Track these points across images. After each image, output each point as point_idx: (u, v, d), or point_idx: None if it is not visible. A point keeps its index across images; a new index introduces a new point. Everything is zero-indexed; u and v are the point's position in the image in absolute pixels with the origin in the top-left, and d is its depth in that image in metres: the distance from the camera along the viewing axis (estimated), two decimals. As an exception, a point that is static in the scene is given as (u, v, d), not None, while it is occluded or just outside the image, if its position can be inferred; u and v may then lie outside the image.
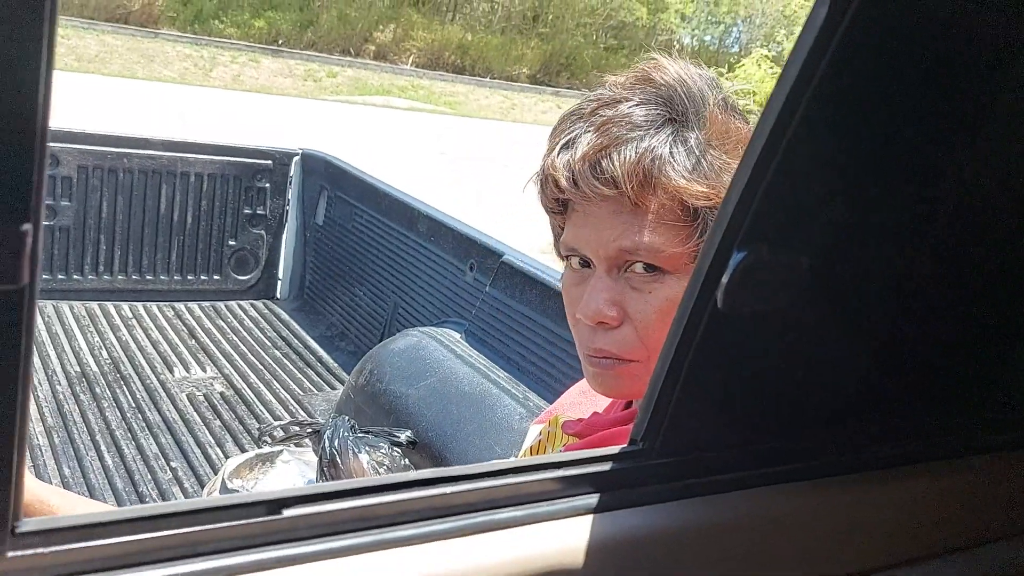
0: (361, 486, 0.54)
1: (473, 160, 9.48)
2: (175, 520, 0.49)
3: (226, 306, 2.95)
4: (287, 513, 0.50)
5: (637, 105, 0.78)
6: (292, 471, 1.89)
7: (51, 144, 2.63)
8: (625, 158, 0.75)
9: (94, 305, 2.74)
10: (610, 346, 0.80)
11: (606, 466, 0.65)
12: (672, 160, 0.75)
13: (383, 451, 1.77)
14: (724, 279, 0.62)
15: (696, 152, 0.76)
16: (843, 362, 0.73)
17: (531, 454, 1.08)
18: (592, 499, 0.64)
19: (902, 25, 0.60)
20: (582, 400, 1.19)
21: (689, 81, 0.78)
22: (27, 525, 0.48)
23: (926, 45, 0.62)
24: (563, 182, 0.77)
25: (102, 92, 9.46)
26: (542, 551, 0.59)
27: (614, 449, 0.66)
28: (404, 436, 1.81)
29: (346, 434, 1.76)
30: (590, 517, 0.63)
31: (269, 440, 1.89)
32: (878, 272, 0.70)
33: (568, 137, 0.79)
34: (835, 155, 0.63)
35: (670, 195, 0.75)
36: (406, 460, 1.80)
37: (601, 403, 1.16)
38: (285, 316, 2.91)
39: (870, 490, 0.78)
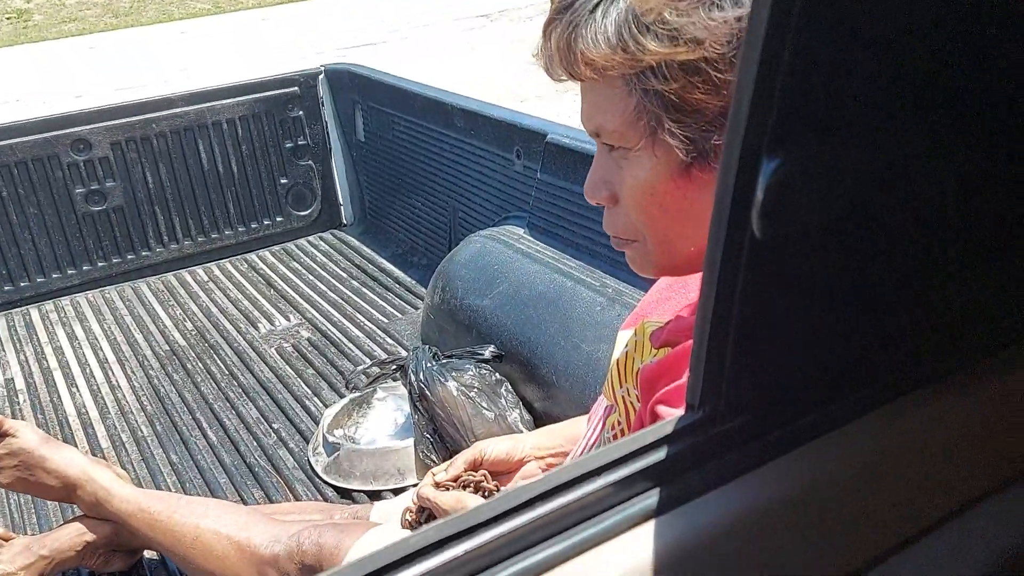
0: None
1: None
2: None
3: (296, 245, 2.90)
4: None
5: None
6: (388, 408, 1.85)
7: (78, 128, 2.57)
8: (559, 34, 0.71)
9: (169, 276, 2.74)
10: (609, 227, 0.80)
11: (660, 453, 0.52)
12: (588, 29, 0.68)
13: (471, 373, 1.69)
14: (758, 196, 0.46)
15: (623, 15, 0.67)
16: (920, 267, 0.56)
17: (619, 369, 0.97)
18: (651, 498, 0.51)
19: None
20: (669, 296, 1.07)
21: None
22: None
23: None
24: (542, 68, 0.76)
25: (147, 43, 9.41)
26: (596, 589, 0.48)
27: (667, 427, 0.53)
28: (488, 352, 1.73)
29: (429, 365, 1.69)
30: (651, 524, 0.51)
31: (358, 387, 1.84)
32: (955, 158, 0.52)
33: None
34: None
35: (593, 68, 0.69)
36: (496, 375, 1.72)
37: (683, 301, 1.03)
38: (355, 242, 2.84)
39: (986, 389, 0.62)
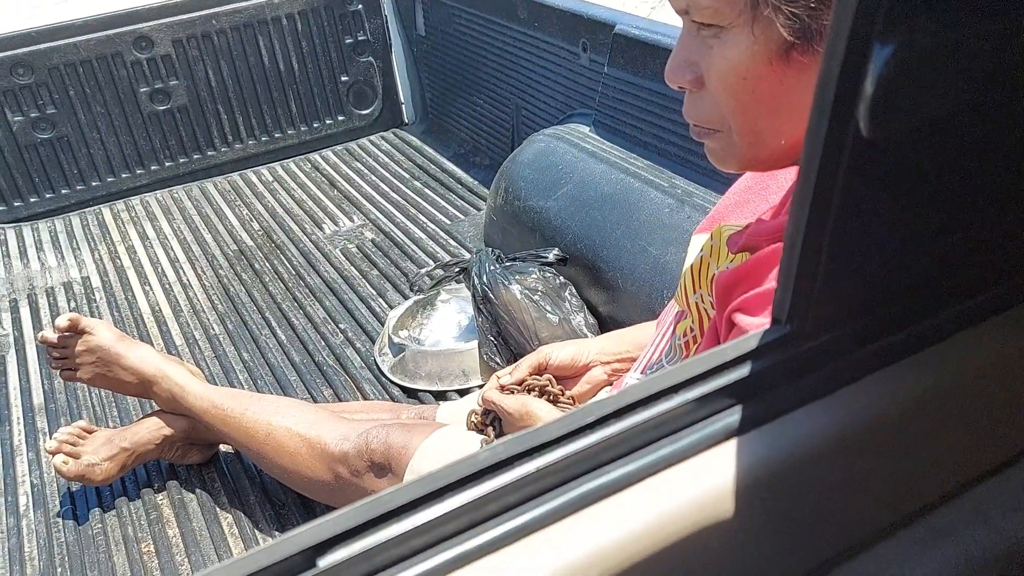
0: (415, 496, 0.42)
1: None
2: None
3: (358, 145, 2.87)
4: (323, 563, 0.40)
5: None
6: (452, 311, 1.85)
7: (140, 25, 2.55)
8: None
9: (235, 176, 2.76)
10: (691, 113, 0.73)
11: (743, 369, 0.49)
12: None
13: (534, 276, 1.67)
14: (867, 90, 0.41)
15: None
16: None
17: (692, 274, 0.93)
18: (732, 416, 0.48)
19: None
20: (748, 198, 1.02)
21: None
22: None
23: None
24: None
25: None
26: (675, 510, 0.46)
27: (751, 341, 0.50)
28: (552, 255, 1.70)
29: (492, 268, 1.67)
30: (732, 443, 0.48)
31: (422, 289, 1.84)
32: None
33: None
34: None
35: None
36: (560, 278, 1.69)
37: (763, 204, 0.98)
38: (416, 142, 2.80)
39: None
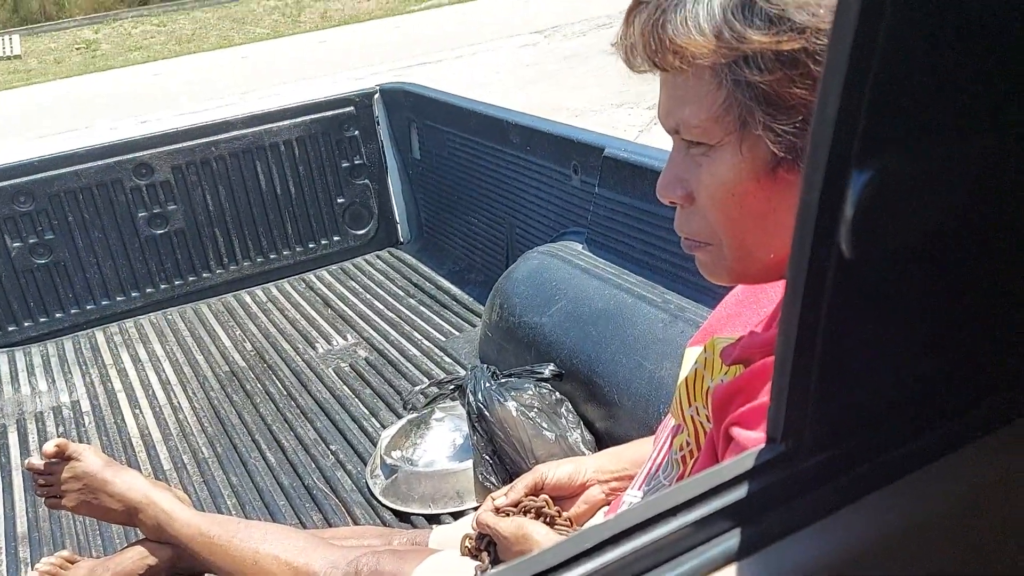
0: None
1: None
2: None
3: (353, 264, 2.91)
4: None
5: None
6: (447, 429, 1.83)
7: (141, 153, 2.63)
8: (644, 19, 0.67)
9: (229, 297, 2.77)
10: (682, 227, 0.75)
11: (740, 490, 0.48)
12: (678, 14, 0.64)
13: (530, 392, 1.66)
14: (846, 213, 0.42)
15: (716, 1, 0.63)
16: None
17: (688, 386, 0.93)
18: (731, 540, 0.47)
19: None
20: (740, 311, 1.02)
21: None
22: None
23: None
24: (621, 58, 0.72)
25: (206, 68, 9.67)
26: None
27: (747, 461, 0.49)
28: (547, 371, 1.69)
29: (488, 384, 1.66)
30: (732, 568, 0.46)
31: (416, 407, 1.82)
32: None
33: None
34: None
35: (682, 57, 0.64)
36: (556, 394, 1.68)
37: (755, 316, 0.98)
38: (411, 260, 2.84)
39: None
